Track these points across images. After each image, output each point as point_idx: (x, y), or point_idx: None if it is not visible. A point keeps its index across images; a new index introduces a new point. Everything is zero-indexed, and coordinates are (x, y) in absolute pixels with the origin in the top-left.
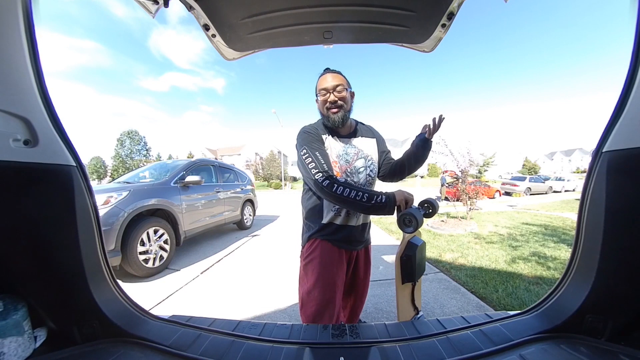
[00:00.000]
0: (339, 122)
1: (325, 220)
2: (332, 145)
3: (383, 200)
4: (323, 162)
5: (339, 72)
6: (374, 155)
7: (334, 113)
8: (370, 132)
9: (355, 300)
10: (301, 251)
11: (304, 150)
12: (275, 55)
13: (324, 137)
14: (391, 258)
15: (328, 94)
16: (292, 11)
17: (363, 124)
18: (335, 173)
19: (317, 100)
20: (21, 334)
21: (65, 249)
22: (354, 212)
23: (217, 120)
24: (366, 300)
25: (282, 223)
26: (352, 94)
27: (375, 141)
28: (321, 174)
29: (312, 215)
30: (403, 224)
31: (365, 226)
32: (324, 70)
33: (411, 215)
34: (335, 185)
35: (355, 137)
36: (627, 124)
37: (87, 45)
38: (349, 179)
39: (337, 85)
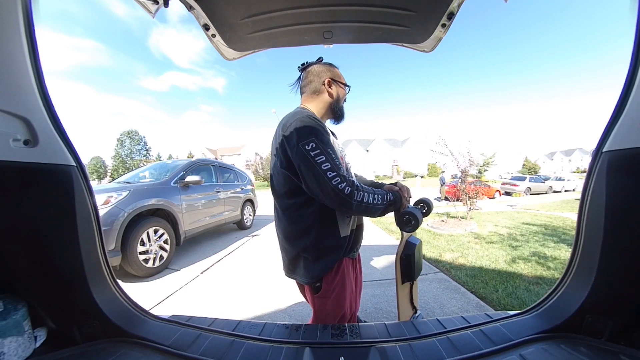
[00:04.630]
0: (336, 121)
1: (346, 233)
2: (334, 141)
3: (392, 198)
4: (339, 163)
5: None
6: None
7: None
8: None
9: (357, 299)
10: (317, 288)
11: (313, 145)
12: (276, 54)
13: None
14: (391, 258)
15: (349, 88)
16: (292, 11)
17: None
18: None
19: (334, 84)
20: (21, 334)
21: (65, 249)
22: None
23: (218, 120)
24: (366, 301)
25: None
26: None
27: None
28: (340, 179)
29: (324, 236)
30: (403, 223)
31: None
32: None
33: (411, 214)
34: (356, 192)
35: (333, 136)
36: (627, 124)
37: (87, 44)
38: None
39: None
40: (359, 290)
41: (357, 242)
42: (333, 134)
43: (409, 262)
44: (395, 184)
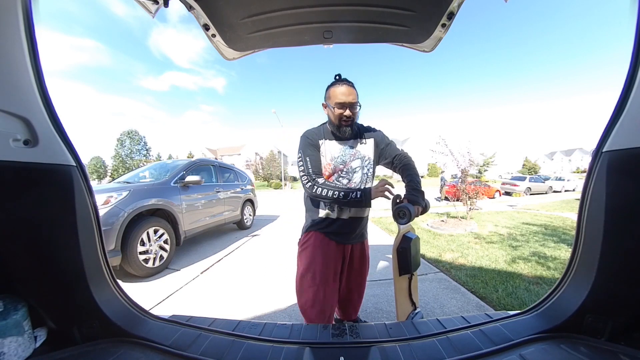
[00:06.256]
0: (349, 133)
1: (321, 214)
2: (329, 149)
3: (358, 196)
4: (310, 166)
5: (352, 84)
6: (371, 155)
7: (346, 126)
8: (369, 133)
9: (352, 294)
10: (299, 240)
11: (299, 155)
12: (276, 54)
13: (321, 142)
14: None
15: (345, 109)
16: (292, 11)
17: (362, 125)
18: (328, 173)
19: (327, 106)
20: (21, 334)
21: (65, 249)
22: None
23: (218, 120)
24: (366, 301)
25: (282, 223)
26: None
27: (373, 141)
28: (306, 177)
29: (310, 210)
30: (397, 216)
31: (359, 220)
32: (339, 79)
33: (405, 208)
34: (315, 187)
35: (354, 139)
36: (627, 124)
37: (87, 44)
38: (343, 178)
39: (354, 103)
40: (353, 284)
41: (342, 230)
42: (362, 137)
43: (405, 255)
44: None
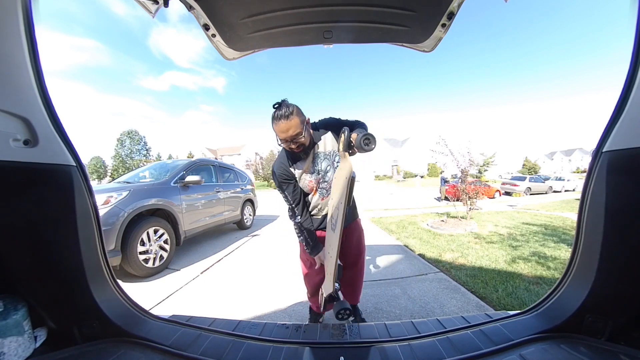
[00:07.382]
0: (304, 156)
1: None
2: (303, 171)
3: (307, 249)
4: (291, 200)
5: (291, 112)
6: (334, 147)
7: (299, 151)
8: (323, 130)
9: (350, 274)
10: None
11: (279, 190)
12: (276, 54)
13: (292, 169)
14: (392, 258)
15: (289, 143)
16: (292, 11)
17: (315, 125)
18: (314, 188)
19: (277, 141)
20: (21, 333)
21: (66, 249)
22: (324, 205)
23: (218, 120)
24: (366, 301)
25: (282, 223)
26: (308, 122)
27: (330, 133)
28: (290, 210)
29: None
30: (363, 144)
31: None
32: (277, 112)
33: (370, 135)
34: (294, 220)
35: (315, 144)
36: (627, 124)
37: (87, 43)
38: (322, 182)
39: (295, 135)
40: (349, 263)
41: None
42: (312, 145)
43: (353, 185)
44: None
